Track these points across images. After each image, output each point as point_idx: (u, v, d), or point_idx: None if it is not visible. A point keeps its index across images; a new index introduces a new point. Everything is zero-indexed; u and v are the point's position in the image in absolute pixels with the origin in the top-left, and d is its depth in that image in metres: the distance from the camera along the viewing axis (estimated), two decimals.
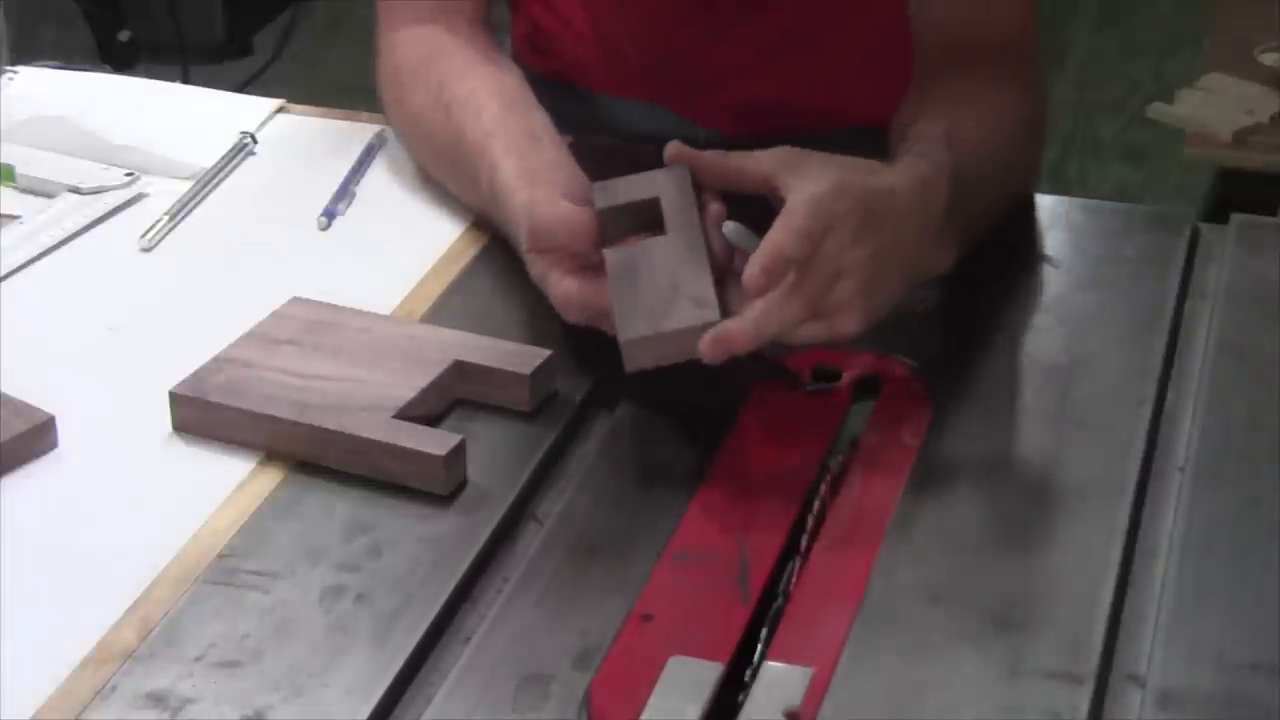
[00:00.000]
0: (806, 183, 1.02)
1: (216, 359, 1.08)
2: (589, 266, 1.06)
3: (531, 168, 1.14)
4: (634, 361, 1.02)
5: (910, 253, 1.05)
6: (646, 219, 1.07)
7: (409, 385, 1.05)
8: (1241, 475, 1.02)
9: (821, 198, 1.00)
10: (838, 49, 1.40)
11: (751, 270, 0.99)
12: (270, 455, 1.04)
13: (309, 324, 1.12)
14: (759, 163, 1.06)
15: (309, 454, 1.03)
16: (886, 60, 1.30)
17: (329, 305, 1.14)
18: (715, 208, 1.08)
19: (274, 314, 1.13)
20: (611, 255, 1.05)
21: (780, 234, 0.99)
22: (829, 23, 1.39)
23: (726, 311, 1.02)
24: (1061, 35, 3.76)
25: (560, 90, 1.48)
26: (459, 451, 1.01)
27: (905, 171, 1.06)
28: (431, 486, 1.00)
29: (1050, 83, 1.34)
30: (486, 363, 1.07)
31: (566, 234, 1.07)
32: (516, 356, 1.08)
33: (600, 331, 1.10)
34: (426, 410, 1.05)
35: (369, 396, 1.04)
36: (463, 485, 1.01)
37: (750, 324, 1.00)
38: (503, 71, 1.28)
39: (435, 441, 1.01)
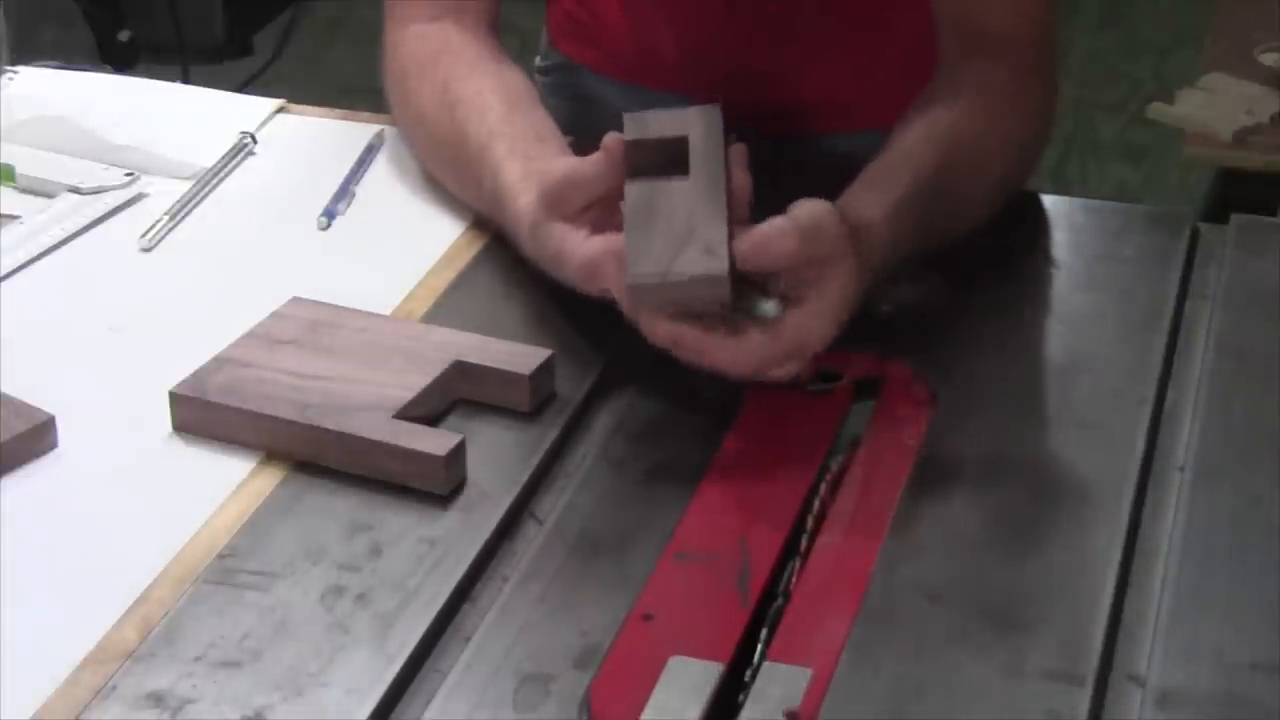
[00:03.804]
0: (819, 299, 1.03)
1: (216, 359, 1.08)
2: (611, 227, 1.06)
3: (535, 170, 1.14)
4: (641, 302, 1.03)
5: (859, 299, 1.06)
6: (673, 157, 1.07)
7: (409, 385, 1.05)
8: (1241, 475, 1.02)
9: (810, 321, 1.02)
10: (875, 52, 1.40)
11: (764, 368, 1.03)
12: (270, 455, 1.04)
13: (309, 324, 1.12)
14: (785, 245, 1.03)
15: (309, 454, 1.03)
16: (923, 62, 1.30)
17: (329, 305, 1.14)
18: (739, 146, 1.08)
19: (274, 314, 1.13)
20: (632, 187, 1.05)
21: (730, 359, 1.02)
22: (866, 26, 1.39)
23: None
24: (1061, 34, 3.76)
25: (596, 79, 1.48)
26: (459, 451, 1.01)
27: (854, 233, 1.06)
28: (431, 486, 1.00)
29: (1055, 76, 1.34)
30: (486, 363, 1.07)
31: (592, 173, 1.06)
32: (516, 356, 1.08)
33: (600, 332, 1.10)
34: (426, 410, 1.05)
35: (369, 396, 1.04)
36: (462, 485, 1.01)
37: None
38: (509, 71, 1.28)
39: (435, 441, 1.01)
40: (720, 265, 1.00)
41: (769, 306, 1.02)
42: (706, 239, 1.01)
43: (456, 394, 1.08)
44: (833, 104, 1.43)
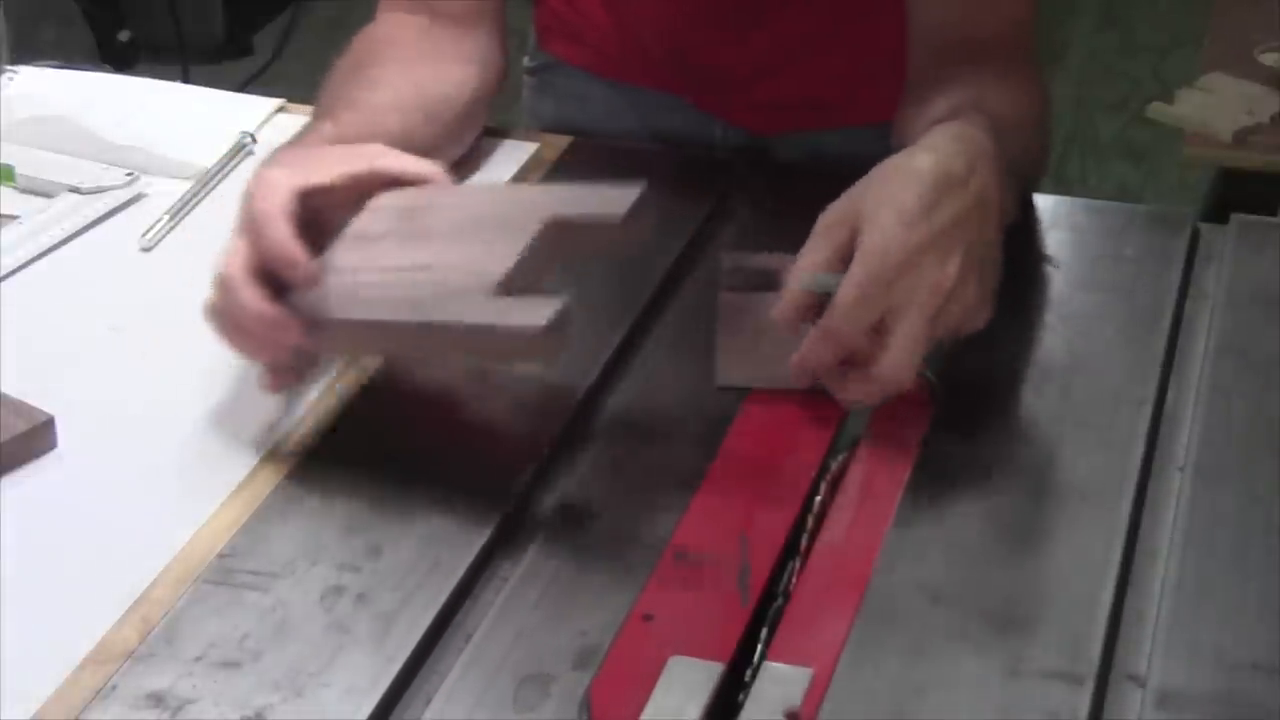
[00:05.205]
0: (869, 227, 1.01)
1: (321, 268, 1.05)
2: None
3: (307, 155, 1.13)
4: (727, 376, 1.08)
5: (989, 209, 1.05)
6: (767, 280, 1.09)
7: (506, 257, 1.00)
8: (1241, 475, 1.02)
9: (886, 250, 1.00)
10: (860, 47, 1.40)
11: (802, 351, 1.03)
12: (387, 358, 1.06)
13: (401, 212, 1.08)
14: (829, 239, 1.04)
15: (424, 350, 1.03)
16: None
17: (417, 189, 1.10)
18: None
19: (366, 209, 1.08)
20: (726, 296, 1.09)
21: (831, 314, 1.01)
22: (850, 21, 1.39)
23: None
24: (1061, 34, 3.77)
25: (585, 77, 1.48)
26: (562, 317, 0.95)
27: (942, 142, 1.06)
28: (538, 359, 0.98)
29: (1050, 81, 1.33)
30: (580, 212, 1.03)
31: (282, 251, 1.03)
32: (607, 201, 1.03)
33: (600, 331, 1.10)
34: (531, 279, 1.00)
35: (467, 278, 1.00)
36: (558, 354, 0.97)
37: (863, 384, 1.03)
38: (436, 80, 1.28)
39: (535, 311, 0.96)
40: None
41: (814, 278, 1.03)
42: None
43: (557, 252, 1.03)
44: (819, 101, 1.43)
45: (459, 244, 1.03)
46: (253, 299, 1.02)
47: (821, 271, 1.03)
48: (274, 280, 1.03)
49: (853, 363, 1.03)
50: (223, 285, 1.03)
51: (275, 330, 1.02)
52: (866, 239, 1.01)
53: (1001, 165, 1.08)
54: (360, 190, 1.09)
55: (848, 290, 1.00)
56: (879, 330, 1.01)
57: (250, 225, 1.04)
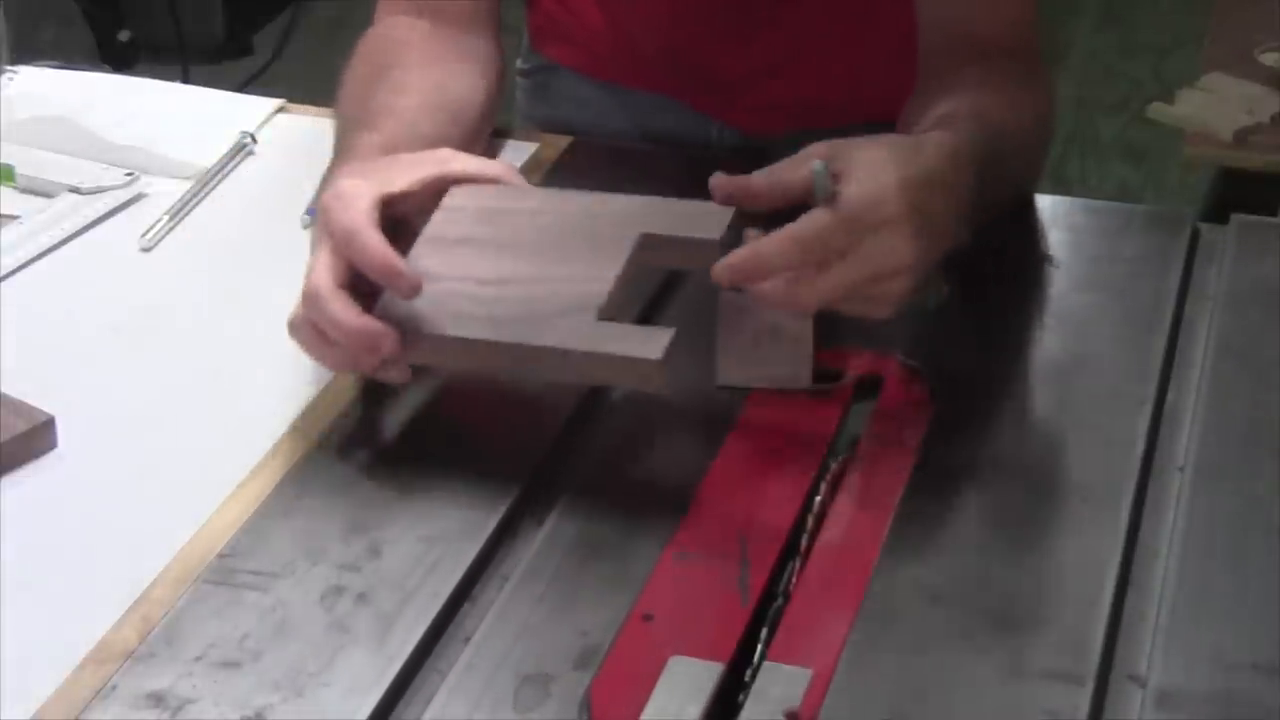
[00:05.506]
0: (866, 176, 1.00)
1: None
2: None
3: (369, 168, 1.10)
4: (727, 376, 1.08)
5: (948, 229, 1.04)
6: None
7: (603, 277, 0.99)
8: (1241, 475, 1.02)
9: (870, 198, 0.99)
10: (856, 48, 1.40)
11: (719, 266, 0.99)
12: (473, 373, 1.05)
13: (479, 214, 1.06)
14: (803, 168, 1.03)
15: (514, 372, 1.02)
16: (905, 56, 1.29)
17: (493, 187, 1.09)
18: None
19: (441, 209, 1.07)
20: (726, 296, 1.08)
21: (775, 238, 0.99)
22: (845, 23, 1.39)
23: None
24: (1061, 34, 3.77)
25: (578, 79, 1.48)
26: (673, 348, 0.96)
27: (941, 146, 1.06)
28: (648, 388, 0.98)
29: (1050, 81, 1.33)
30: (674, 232, 1.02)
31: (382, 265, 1.01)
32: (700, 219, 1.03)
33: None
34: (626, 299, 1.00)
35: (566, 298, 0.99)
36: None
37: (781, 286, 0.99)
38: (457, 78, 1.28)
39: (647, 344, 0.96)
40: (806, 349, 1.07)
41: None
42: (794, 332, 1.07)
43: (645, 266, 1.03)
44: (815, 102, 1.42)
45: (551, 258, 1.03)
46: (345, 312, 1.00)
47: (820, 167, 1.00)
48: (360, 293, 1.02)
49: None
50: (311, 299, 1.02)
51: (370, 342, 1.00)
52: (864, 180, 0.99)
53: (970, 197, 1.08)
54: (435, 195, 1.08)
55: (838, 215, 0.98)
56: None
57: (338, 237, 1.02)
